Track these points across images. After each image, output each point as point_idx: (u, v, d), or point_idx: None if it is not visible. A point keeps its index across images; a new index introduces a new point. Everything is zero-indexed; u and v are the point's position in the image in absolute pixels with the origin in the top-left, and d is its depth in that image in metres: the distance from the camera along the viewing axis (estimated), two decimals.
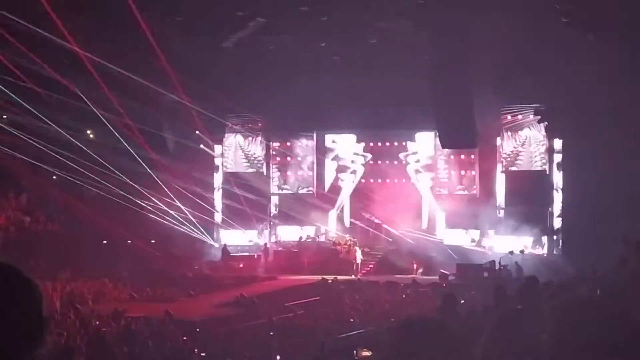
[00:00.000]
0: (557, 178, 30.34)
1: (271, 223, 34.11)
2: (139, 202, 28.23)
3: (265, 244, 32.57)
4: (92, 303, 22.81)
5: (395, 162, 33.02)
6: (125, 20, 21.66)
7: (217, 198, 34.14)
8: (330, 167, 33.88)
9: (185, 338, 16.19)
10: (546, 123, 29.19)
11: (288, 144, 33.91)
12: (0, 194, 29.10)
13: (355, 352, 9.83)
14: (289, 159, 34.13)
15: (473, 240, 31.17)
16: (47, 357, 13.30)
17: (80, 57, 22.38)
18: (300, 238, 32.86)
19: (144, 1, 21.26)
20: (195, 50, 24.20)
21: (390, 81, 27.54)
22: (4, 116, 25.96)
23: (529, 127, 30.50)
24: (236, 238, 33.50)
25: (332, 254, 30.65)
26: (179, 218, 30.54)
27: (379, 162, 33.29)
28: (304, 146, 33.74)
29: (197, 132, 32.16)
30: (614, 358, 2.50)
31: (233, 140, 34.30)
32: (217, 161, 34.43)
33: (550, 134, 29.74)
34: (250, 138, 34.14)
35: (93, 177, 26.34)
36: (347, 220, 33.39)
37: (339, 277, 27.22)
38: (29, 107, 22.66)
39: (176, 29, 22.90)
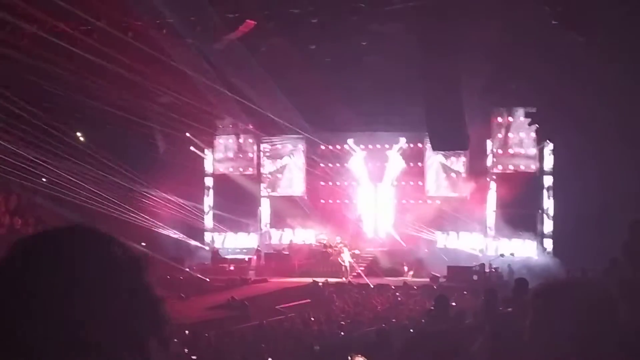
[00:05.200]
0: (548, 180, 30.45)
1: (262, 226, 34.07)
2: (128, 204, 28.10)
3: (258, 246, 32.53)
4: None
5: (386, 164, 33.05)
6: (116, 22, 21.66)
7: (208, 201, 34.08)
8: (320, 169, 33.86)
9: (175, 340, 16.14)
10: (537, 125, 29.26)
11: (279, 146, 33.89)
12: None
13: (349, 357, 9.76)
14: (279, 161, 34.10)
15: (464, 243, 31.20)
16: None
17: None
18: (291, 241, 32.83)
19: (135, 4, 21.23)
20: (186, 52, 24.16)
21: (380, 83, 27.60)
22: None
23: (520, 130, 30.58)
24: (227, 241, 33.47)
25: (322, 257, 30.62)
26: (169, 221, 30.47)
27: (369, 163, 33.31)
28: (295, 148, 33.71)
29: (187, 134, 32.11)
30: (589, 335, 2.50)
31: (224, 143, 34.26)
32: (208, 163, 34.38)
33: (541, 136, 29.81)
34: (240, 140, 34.10)
35: (83, 179, 26.22)
36: (339, 222, 33.34)
37: (330, 280, 27.21)
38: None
39: (168, 31, 22.83)
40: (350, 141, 33.02)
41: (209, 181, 34.31)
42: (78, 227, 1.61)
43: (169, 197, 29.98)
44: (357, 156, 33.28)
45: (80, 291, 1.51)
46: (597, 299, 2.56)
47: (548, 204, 30.38)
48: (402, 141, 32.44)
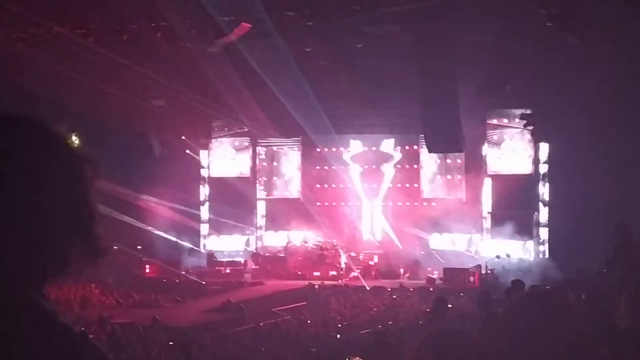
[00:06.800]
0: (544, 182, 30.47)
1: (258, 228, 34.02)
2: (124, 207, 28.04)
3: (254, 249, 32.48)
4: (78, 309, 22.68)
5: (382, 166, 33.03)
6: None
7: (203, 203, 34.01)
8: (316, 171, 33.82)
9: (171, 344, 16.12)
10: (532, 127, 29.28)
11: (275, 148, 33.87)
12: None
13: None
14: (275, 163, 34.08)
15: (460, 245, 31.18)
16: None
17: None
18: (287, 243, 32.75)
19: (129, 7, 21.23)
20: (181, 55, 24.14)
21: (376, 85, 27.62)
22: None
23: (515, 131, 30.61)
24: (223, 244, 33.40)
25: (318, 259, 30.54)
26: (165, 223, 30.42)
27: (365, 166, 33.27)
28: (291, 151, 33.69)
29: (182, 137, 32.07)
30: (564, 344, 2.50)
31: (219, 146, 34.19)
32: (203, 166, 34.31)
33: (536, 138, 29.85)
34: (236, 143, 34.06)
35: None
36: (335, 225, 33.29)
37: (326, 282, 27.19)
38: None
39: (161, 34, 22.81)
40: (343, 142, 32.99)
41: (204, 184, 34.23)
42: (17, 114, 1.47)
43: (164, 200, 29.90)
44: (352, 158, 33.24)
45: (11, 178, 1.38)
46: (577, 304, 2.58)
47: (543, 205, 30.39)
48: (402, 143, 32.45)
